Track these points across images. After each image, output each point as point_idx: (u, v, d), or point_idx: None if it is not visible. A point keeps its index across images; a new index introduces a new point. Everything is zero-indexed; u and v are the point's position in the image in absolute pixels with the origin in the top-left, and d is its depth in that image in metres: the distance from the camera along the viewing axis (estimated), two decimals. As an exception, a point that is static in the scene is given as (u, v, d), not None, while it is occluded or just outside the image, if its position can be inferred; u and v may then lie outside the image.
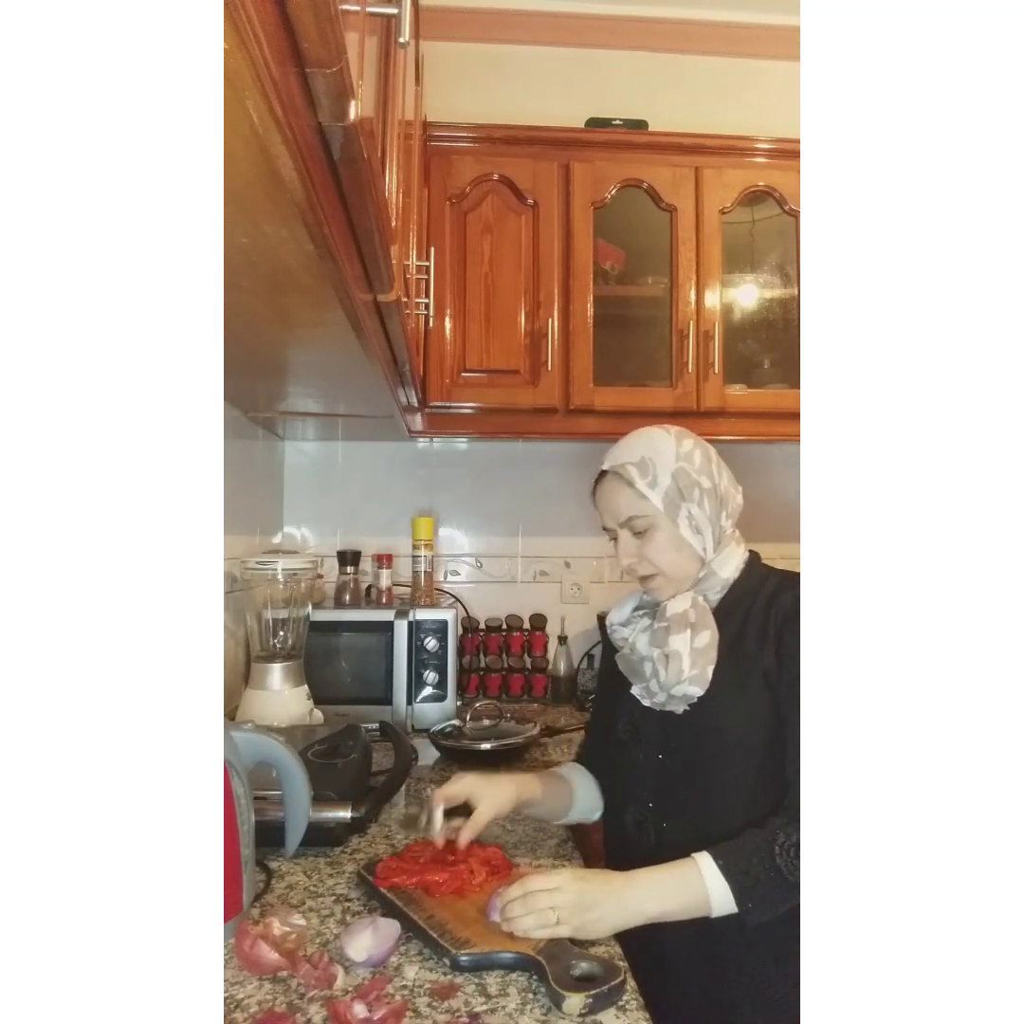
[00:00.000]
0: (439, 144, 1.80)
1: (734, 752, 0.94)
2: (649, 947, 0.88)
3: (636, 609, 1.08)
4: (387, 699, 1.70)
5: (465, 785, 0.99)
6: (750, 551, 1.05)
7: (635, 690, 1.02)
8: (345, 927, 0.82)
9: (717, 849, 0.85)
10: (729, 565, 1.01)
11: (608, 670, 1.12)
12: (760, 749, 0.93)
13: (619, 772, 1.06)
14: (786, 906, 0.84)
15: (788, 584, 1.00)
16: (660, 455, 1.00)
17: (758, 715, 0.93)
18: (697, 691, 0.94)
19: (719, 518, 1.01)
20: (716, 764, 0.95)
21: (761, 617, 0.97)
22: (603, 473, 1.04)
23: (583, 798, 1.09)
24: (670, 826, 0.98)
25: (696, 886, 0.83)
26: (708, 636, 0.95)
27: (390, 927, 0.79)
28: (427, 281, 1.59)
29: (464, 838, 0.94)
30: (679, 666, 0.94)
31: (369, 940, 0.77)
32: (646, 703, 1.01)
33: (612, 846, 1.08)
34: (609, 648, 1.13)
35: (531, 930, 0.77)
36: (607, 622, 1.10)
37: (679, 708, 0.97)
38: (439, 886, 0.88)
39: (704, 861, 0.84)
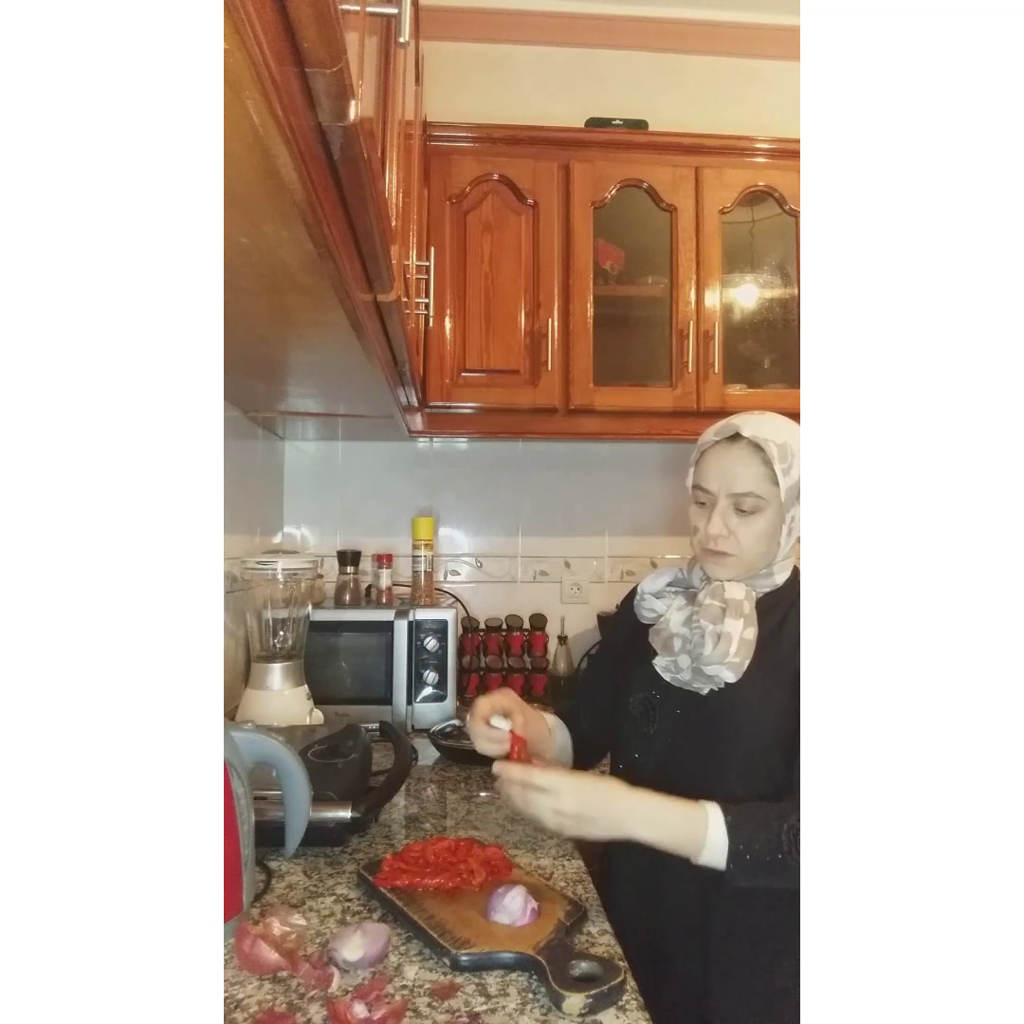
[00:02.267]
0: (439, 144, 1.80)
1: (746, 744, 0.95)
2: (645, 937, 0.88)
3: (669, 584, 1.07)
4: (387, 699, 1.70)
5: (497, 699, 1.03)
6: (795, 564, 1.06)
7: (659, 663, 1.01)
8: (333, 934, 0.81)
9: (728, 806, 0.85)
10: (784, 573, 1.03)
11: (625, 643, 1.12)
12: (772, 746, 0.93)
13: (626, 746, 1.06)
14: (767, 882, 0.84)
15: None
16: (799, 447, 0.97)
17: (779, 714, 0.93)
18: (731, 677, 0.94)
19: (801, 528, 1.01)
20: (727, 752, 0.95)
21: (798, 624, 0.97)
22: (735, 437, 0.98)
23: (559, 754, 1.13)
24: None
25: (697, 830, 0.84)
26: (753, 632, 0.96)
27: (378, 930, 0.79)
28: (427, 281, 1.59)
29: (519, 725, 1.00)
30: (727, 648, 0.94)
31: (360, 940, 0.77)
32: (668, 678, 1.00)
33: None
34: (626, 621, 1.12)
35: (520, 810, 0.85)
36: (639, 590, 1.09)
37: (704, 689, 0.97)
38: (439, 886, 0.88)
39: (713, 812, 0.85)
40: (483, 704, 1.02)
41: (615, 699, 1.09)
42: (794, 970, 0.88)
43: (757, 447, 0.96)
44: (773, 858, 0.83)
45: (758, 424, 0.98)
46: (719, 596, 0.97)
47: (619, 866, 1.05)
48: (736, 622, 0.95)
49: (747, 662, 0.94)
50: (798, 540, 1.01)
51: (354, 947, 0.76)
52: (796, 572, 1.05)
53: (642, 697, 1.03)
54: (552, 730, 1.13)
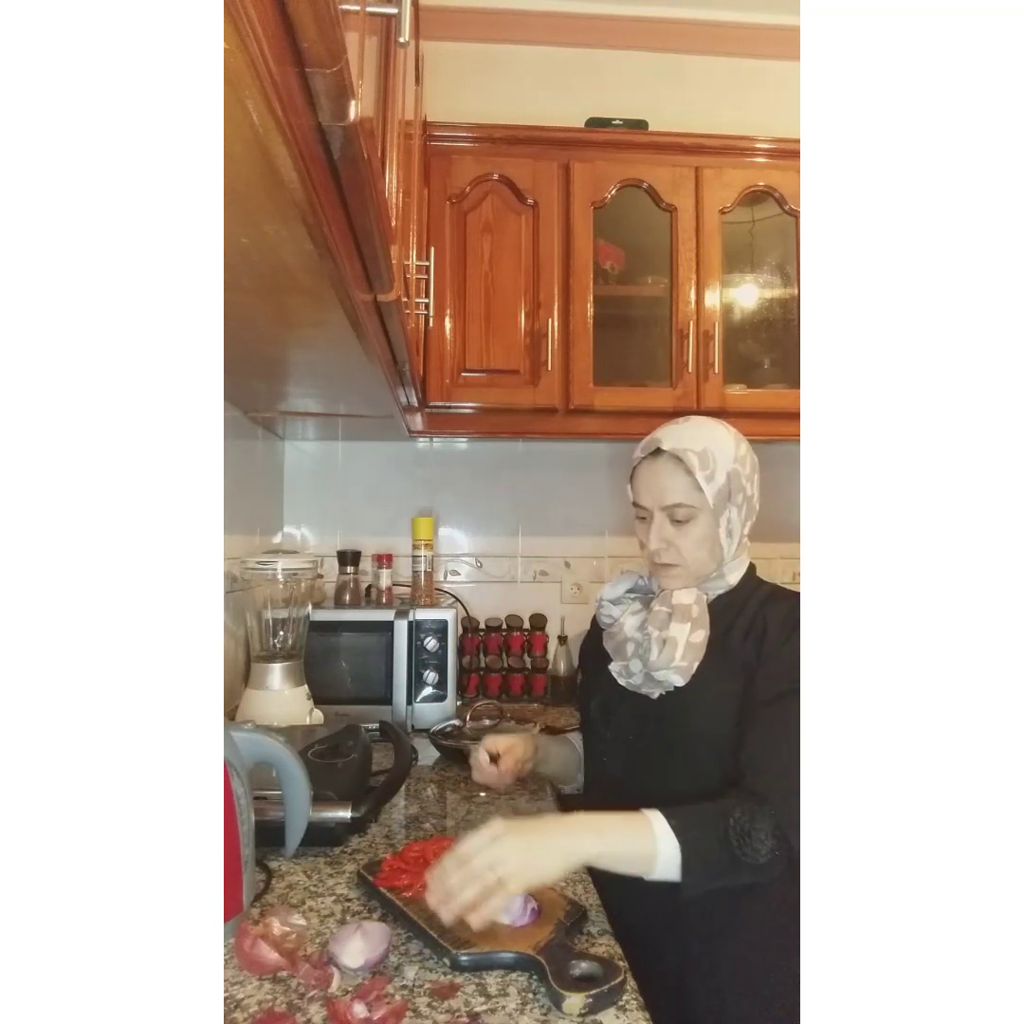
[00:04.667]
0: (439, 144, 1.80)
1: (700, 744, 0.96)
2: (619, 917, 0.88)
3: (629, 591, 1.09)
4: (387, 699, 1.69)
5: (498, 740, 1.11)
6: (749, 562, 1.08)
7: (613, 668, 1.03)
8: (332, 934, 0.81)
9: (669, 810, 0.83)
10: (736, 572, 1.04)
11: (590, 648, 1.16)
12: (726, 744, 0.93)
13: (593, 750, 1.09)
14: (723, 883, 0.82)
15: (782, 594, 1.02)
16: (721, 451, 0.99)
17: (729, 712, 0.94)
18: (679, 681, 0.96)
19: (745, 527, 1.03)
20: (682, 752, 0.97)
21: (749, 618, 0.99)
22: (657, 452, 1.00)
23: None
24: (636, 807, 0.98)
25: (644, 839, 0.81)
26: (703, 635, 0.97)
27: (378, 930, 0.79)
28: (427, 281, 1.59)
29: (507, 766, 1.07)
30: (672, 653, 0.95)
31: (359, 943, 0.76)
32: (622, 682, 1.02)
33: None
34: (595, 628, 1.16)
35: (475, 902, 0.74)
36: (599, 597, 1.12)
37: (654, 693, 0.99)
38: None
39: (656, 818, 0.82)
40: (488, 741, 1.11)
41: (581, 704, 1.13)
42: (774, 951, 0.89)
43: (678, 459, 0.98)
44: (724, 858, 0.81)
45: (678, 435, 1.00)
46: (667, 602, 0.99)
47: None
48: (682, 626, 0.96)
49: (696, 664, 0.96)
50: (743, 540, 1.03)
51: (354, 954, 0.76)
52: (752, 569, 1.06)
53: (600, 700, 1.06)
54: (576, 748, 1.17)
